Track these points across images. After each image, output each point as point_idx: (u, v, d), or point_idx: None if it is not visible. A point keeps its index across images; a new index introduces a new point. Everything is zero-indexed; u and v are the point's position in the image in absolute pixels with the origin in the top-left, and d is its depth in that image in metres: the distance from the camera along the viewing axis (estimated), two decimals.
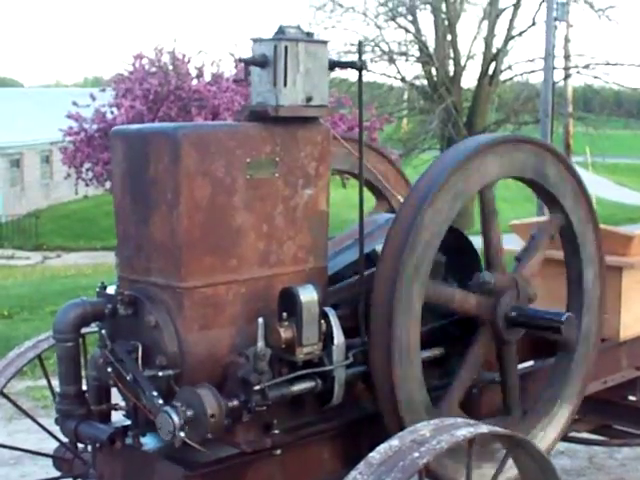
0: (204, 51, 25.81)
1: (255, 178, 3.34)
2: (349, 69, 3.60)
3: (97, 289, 3.56)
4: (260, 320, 3.19)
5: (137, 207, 3.34)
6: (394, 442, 2.86)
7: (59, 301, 11.66)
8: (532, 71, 31.60)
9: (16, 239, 31.39)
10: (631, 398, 5.43)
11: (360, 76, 3.55)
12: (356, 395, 3.66)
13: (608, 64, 29.70)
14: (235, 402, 3.17)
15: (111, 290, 3.55)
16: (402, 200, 4.29)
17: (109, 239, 31.20)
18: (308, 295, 3.33)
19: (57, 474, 4.62)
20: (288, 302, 3.33)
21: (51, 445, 4.81)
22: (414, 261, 3.43)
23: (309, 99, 3.41)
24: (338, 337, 3.42)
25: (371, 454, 2.83)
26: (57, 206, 37.41)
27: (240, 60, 3.38)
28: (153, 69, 24.95)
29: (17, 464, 6.27)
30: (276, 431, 3.36)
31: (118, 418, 3.67)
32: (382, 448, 2.84)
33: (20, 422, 7.07)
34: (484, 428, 2.99)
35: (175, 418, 3.02)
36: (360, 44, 3.57)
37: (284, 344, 3.29)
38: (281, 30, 3.36)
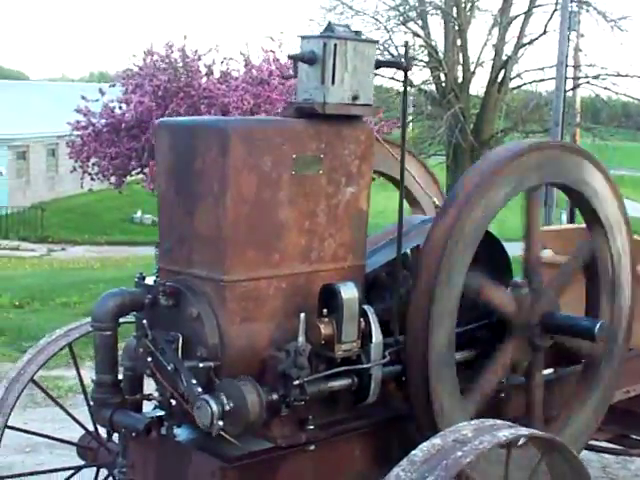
0: (215, 48, 25.54)
1: (300, 174, 3.35)
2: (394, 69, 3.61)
3: (135, 279, 3.58)
4: (302, 315, 3.21)
5: (182, 199, 3.36)
6: (436, 441, 2.87)
7: (70, 293, 11.72)
8: (541, 80, 31.54)
9: (21, 231, 31.36)
10: None
11: (405, 76, 3.57)
12: (388, 394, 3.66)
13: (618, 75, 29.62)
14: (274, 396, 3.19)
15: (150, 281, 3.57)
16: (437, 202, 4.33)
17: (113, 234, 31.27)
18: (349, 292, 3.35)
19: (75, 463, 4.64)
20: (329, 298, 3.34)
21: (65, 434, 4.86)
22: (455, 259, 3.46)
23: (355, 97, 3.42)
24: (376, 335, 3.44)
25: (413, 452, 2.83)
26: (61, 199, 37.38)
27: (289, 57, 3.39)
28: (163, 65, 24.94)
29: (33, 452, 6.28)
30: (311, 427, 3.37)
31: (147, 409, 3.70)
32: (424, 446, 2.85)
33: (34, 411, 7.09)
34: (524, 430, 3.00)
35: (214, 406, 3.03)
36: (407, 44, 3.58)
37: (323, 340, 3.31)
38: (330, 28, 3.38)
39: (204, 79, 24.65)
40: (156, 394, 3.57)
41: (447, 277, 3.46)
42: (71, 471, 4.54)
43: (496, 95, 31.47)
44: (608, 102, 32.61)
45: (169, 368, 3.20)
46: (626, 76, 29.72)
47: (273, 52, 25.67)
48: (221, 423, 3.03)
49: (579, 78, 30.30)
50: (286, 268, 3.37)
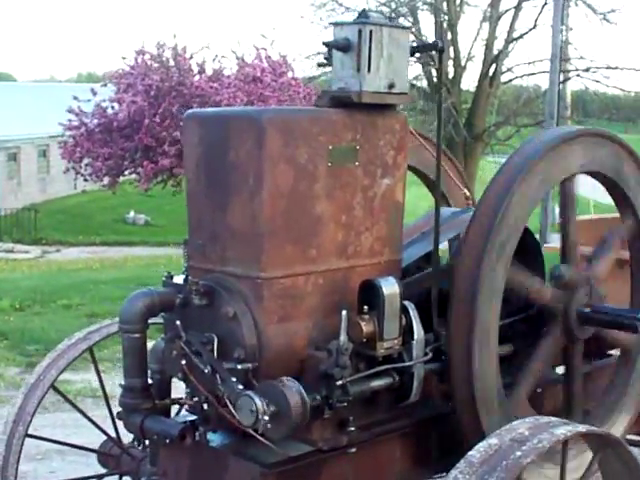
0: (207, 46, 25.55)
1: (336, 166, 3.22)
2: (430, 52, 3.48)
3: (163, 278, 3.44)
4: (344, 312, 3.07)
5: (213, 193, 3.22)
6: (493, 441, 2.74)
7: (71, 294, 11.54)
8: (532, 74, 31.55)
9: (14, 233, 31.10)
10: None
11: (440, 58, 3.45)
12: (426, 392, 3.53)
13: (608, 67, 29.60)
14: (316, 397, 3.04)
15: (178, 280, 3.43)
16: (468, 193, 4.22)
17: (106, 234, 31.05)
18: (390, 288, 3.22)
19: (89, 470, 4.49)
20: (369, 295, 3.21)
21: (76, 440, 4.73)
22: (500, 242, 3.34)
23: (391, 86, 3.29)
24: (418, 332, 3.31)
25: (470, 453, 2.71)
26: (53, 200, 37.12)
27: (323, 44, 3.26)
28: (155, 65, 24.84)
29: (44, 459, 6.11)
30: (352, 428, 3.22)
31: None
32: (481, 447, 2.72)
33: (43, 417, 6.89)
34: (581, 427, 2.87)
35: (258, 402, 2.89)
36: (441, 25, 3.46)
37: (365, 338, 3.17)
38: (365, 14, 3.24)
39: (196, 77, 24.61)
40: (186, 398, 3.44)
41: (491, 265, 3.33)
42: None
43: (488, 89, 31.40)
44: (597, 95, 32.55)
45: (206, 371, 3.05)
46: (615, 68, 29.71)
47: (265, 49, 25.69)
48: (267, 418, 2.89)
49: (569, 71, 30.25)
50: (323, 264, 3.24)
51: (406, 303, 3.29)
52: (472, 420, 3.39)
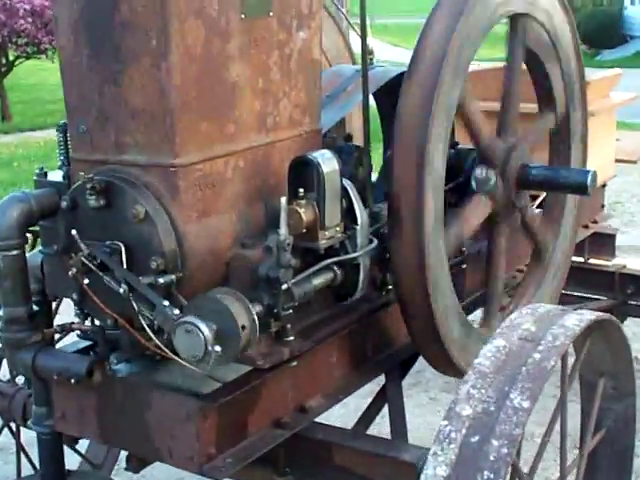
0: None
1: (250, 18, 2.57)
2: None
3: (35, 177, 2.73)
4: (283, 199, 2.45)
5: (100, 64, 2.48)
6: (499, 342, 2.23)
7: None
8: None
9: None
10: None
11: None
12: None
13: None
14: (258, 308, 2.44)
15: (56, 177, 2.72)
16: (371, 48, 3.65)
17: None
18: (329, 164, 2.63)
19: None
20: (304, 175, 2.61)
21: None
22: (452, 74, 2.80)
23: None
24: (362, 216, 2.75)
25: (477, 361, 2.19)
26: None
27: None
28: None
29: None
30: (291, 338, 2.63)
31: None
32: (488, 352, 2.21)
33: None
34: (588, 314, 2.40)
35: (205, 329, 2.26)
36: None
37: (305, 228, 2.59)
38: None
39: None
40: (77, 322, 2.77)
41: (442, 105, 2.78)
42: None
43: None
44: None
45: (121, 290, 2.39)
46: None
47: None
48: (218, 349, 2.27)
49: None
50: (243, 141, 2.61)
51: (345, 182, 2.72)
52: (421, 303, 2.87)
